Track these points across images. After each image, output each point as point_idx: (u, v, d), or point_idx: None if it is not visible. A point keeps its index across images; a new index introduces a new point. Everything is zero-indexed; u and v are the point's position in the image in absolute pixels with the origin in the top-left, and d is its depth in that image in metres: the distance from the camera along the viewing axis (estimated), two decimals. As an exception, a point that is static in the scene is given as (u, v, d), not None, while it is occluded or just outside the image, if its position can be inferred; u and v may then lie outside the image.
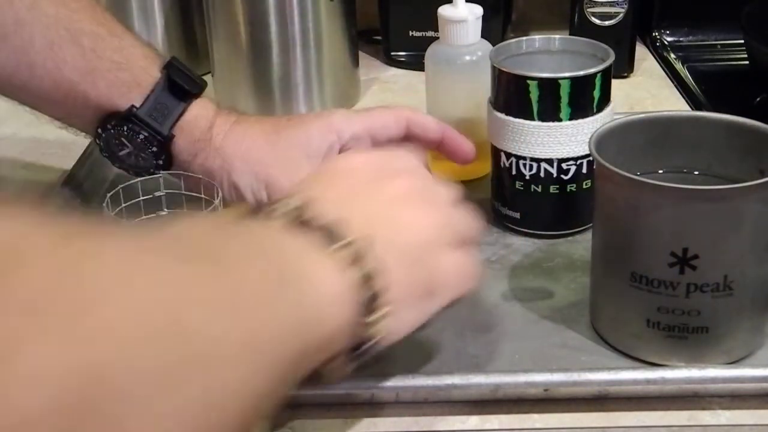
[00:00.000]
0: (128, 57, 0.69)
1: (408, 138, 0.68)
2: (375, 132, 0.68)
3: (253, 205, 0.53)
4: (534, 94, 0.68)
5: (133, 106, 0.69)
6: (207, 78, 1.02)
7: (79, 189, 0.80)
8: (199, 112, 0.71)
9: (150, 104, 0.69)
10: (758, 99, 0.97)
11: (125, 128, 0.69)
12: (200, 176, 0.72)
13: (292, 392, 0.55)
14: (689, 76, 1.04)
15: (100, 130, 0.70)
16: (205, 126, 0.70)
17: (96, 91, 0.68)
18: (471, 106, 0.79)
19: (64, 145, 0.93)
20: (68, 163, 0.83)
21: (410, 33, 1.07)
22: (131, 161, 0.71)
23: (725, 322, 0.57)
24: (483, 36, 0.79)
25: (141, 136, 0.69)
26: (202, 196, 0.71)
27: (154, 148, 0.70)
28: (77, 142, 0.88)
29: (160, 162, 0.70)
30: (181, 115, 0.70)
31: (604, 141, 0.59)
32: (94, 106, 0.69)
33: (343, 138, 0.67)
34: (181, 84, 0.70)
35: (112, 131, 0.69)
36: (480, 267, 0.55)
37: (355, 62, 0.99)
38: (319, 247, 0.46)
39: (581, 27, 1.01)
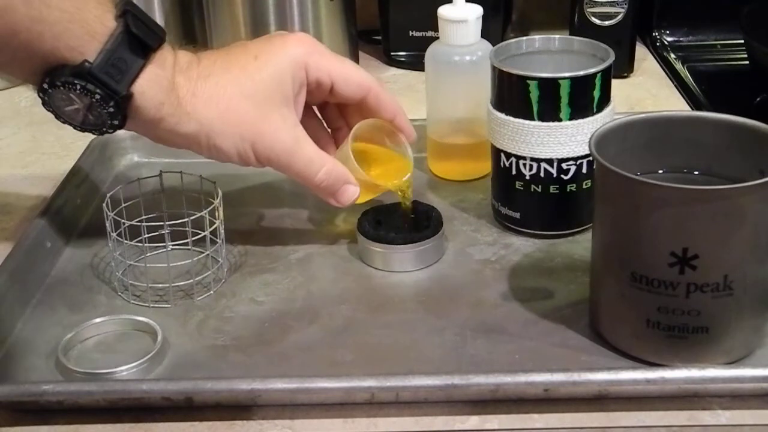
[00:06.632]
0: (80, 4, 0.62)
1: (362, 106, 0.72)
2: (336, 85, 0.70)
3: None
4: (534, 94, 0.68)
5: (86, 61, 0.62)
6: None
7: (79, 189, 0.80)
8: (158, 71, 0.64)
9: (106, 59, 0.62)
10: (758, 99, 0.97)
11: (77, 86, 0.62)
12: (200, 175, 0.72)
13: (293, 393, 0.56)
14: (689, 76, 1.04)
15: (46, 85, 0.63)
16: (167, 86, 0.65)
17: (41, 43, 0.61)
18: (471, 106, 0.79)
19: (64, 145, 0.93)
20: (68, 163, 0.83)
21: (410, 33, 1.07)
22: (79, 118, 0.65)
23: (725, 322, 0.57)
24: (483, 36, 0.79)
25: (96, 96, 0.62)
26: (202, 196, 0.71)
27: (111, 108, 0.63)
28: (77, 142, 0.88)
29: (116, 122, 0.64)
30: (140, 71, 0.63)
31: (604, 141, 0.59)
32: (40, 58, 0.62)
33: (310, 78, 0.69)
34: (140, 36, 0.63)
35: (61, 87, 0.62)
36: None
37: (355, 62, 0.99)
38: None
39: (581, 27, 1.01)
